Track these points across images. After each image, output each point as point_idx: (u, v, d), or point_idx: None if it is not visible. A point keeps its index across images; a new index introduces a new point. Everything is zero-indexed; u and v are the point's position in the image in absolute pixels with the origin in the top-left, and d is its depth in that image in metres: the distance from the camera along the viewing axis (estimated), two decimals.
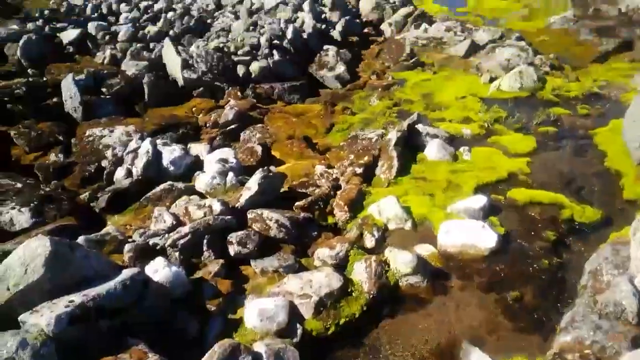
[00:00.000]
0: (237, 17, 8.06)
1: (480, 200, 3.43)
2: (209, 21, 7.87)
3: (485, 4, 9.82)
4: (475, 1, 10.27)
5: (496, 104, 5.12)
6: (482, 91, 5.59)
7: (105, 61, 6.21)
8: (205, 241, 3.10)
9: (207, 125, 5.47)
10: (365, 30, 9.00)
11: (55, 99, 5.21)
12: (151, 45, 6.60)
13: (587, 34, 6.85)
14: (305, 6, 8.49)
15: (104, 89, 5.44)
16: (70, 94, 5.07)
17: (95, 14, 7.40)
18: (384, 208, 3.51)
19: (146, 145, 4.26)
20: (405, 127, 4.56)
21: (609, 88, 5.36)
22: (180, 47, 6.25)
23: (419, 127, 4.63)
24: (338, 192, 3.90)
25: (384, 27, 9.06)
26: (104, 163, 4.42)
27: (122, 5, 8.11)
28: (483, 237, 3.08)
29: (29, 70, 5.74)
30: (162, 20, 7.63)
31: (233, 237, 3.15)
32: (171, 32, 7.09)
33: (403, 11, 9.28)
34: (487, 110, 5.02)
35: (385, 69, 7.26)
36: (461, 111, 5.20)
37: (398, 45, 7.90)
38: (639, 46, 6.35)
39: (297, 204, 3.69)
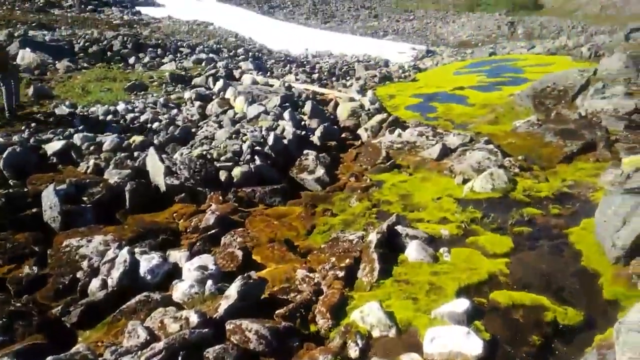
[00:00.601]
0: (220, 126, 8.41)
1: (464, 304, 3.40)
2: (193, 130, 8.19)
3: (453, 110, 10.46)
4: (444, 107, 10.94)
5: (471, 204, 5.27)
6: (456, 192, 5.77)
7: (89, 170, 6.31)
8: (180, 358, 2.96)
9: (188, 230, 5.45)
10: (343, 135, 9.41)
11: (34, 210, 5.19)
12: (135, 154, 6.77)
13: (551, 137, 7.29)
14: (286, 115, 8.96)
15: (84, 198, 5.45)
16: (50, 204, 5.08)
17: (82, 126, 7.67)
18: (367, 314, 3.44)
19: (123, 254, 4.21)
20: (385, 229, 4.63)
21: (577, 187, 5.60)
22: (164, 155, 6.43)
23: (399, 228, 4.70)
24: (320, 298, 3.83)
25: (360, 132, 9.50)
26: (79, 274, 4.30)
27: (109, 117, 8.43)
28: (469, 345, 3.01)
29: (10, 182, 5.77)
30: (147, 130, 7.94)
31: (210, 352, 3.01)
32: (156, 141, 7.33)
33: (378, 117, 9.81)
34: (463, 210, 5.16)
35: (363, 171, 7.49)
36: (438, 212, 5.33)
37: (374, 149, 8.25)
38: (601, 147, 6.74)
39: (277, 312, 3.60)
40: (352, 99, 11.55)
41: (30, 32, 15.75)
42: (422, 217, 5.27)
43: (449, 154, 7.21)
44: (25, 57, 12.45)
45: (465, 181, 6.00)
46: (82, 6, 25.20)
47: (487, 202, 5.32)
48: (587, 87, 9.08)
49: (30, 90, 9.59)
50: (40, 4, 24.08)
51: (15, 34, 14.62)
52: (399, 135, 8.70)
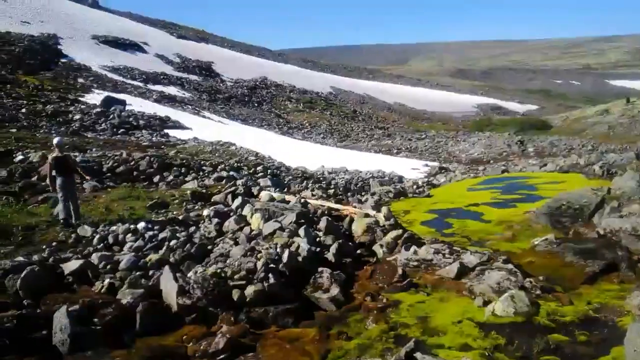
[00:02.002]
0: (236, 243, 8.49)
1: None
2: (209, 247, 8.28)
3: (469, 227, 10.44)
4: (460, 223, 10.93)
5: (493, 329, 5.02)
6: (477, 315, 5.54)
7: (103, 290, 6.30)
8: None
9: (197, 354, 5.26)
10: (358, 251, 9.35)
11: (44, 332, 5.11)
12: (150, 272, 6.80)
13: (571, 256, 7.14)
14: (301, 231, 9.04)
15: (96, 319, 5.38)
16: (61, 326, 5.00)
17: (101, 245, 7.84)
18: None
19: None
20: (403, 356, 4.39)
21: (604, 311, 5.34)
22: (178, 274, 6.44)
23: (418, 355, 4.46)
24: None
25: (375, 248, 9.45)
26: None
27: (129, 236, 8.64)
28: None
29: (24, 301, 5.78)
30: (164, 248, 8.06)
31: None
32: (172, 259, 7.39)
33: (393, 233, 9.79)
34: (485, 336, 4.91)
35: (379, 290, 7.32)
36: (459, 337, 5.08)
37: (390, 267, 8.14)
38: (624, 267, 6.55)
39: None
40: (367, 215, 11.67)
41: None
42: (442, 342, 5.02)
43: (467, 273, 7.05)
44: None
45: (485, 303, 5.79)
46: (115, 129, 27.11)
47: (509, 327, 5.07)
48: (603, 205, 9.08)
49: (55, 210, 9.99)
50: (75, 128, 26.02)
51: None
52: (415, 252, 8.61)
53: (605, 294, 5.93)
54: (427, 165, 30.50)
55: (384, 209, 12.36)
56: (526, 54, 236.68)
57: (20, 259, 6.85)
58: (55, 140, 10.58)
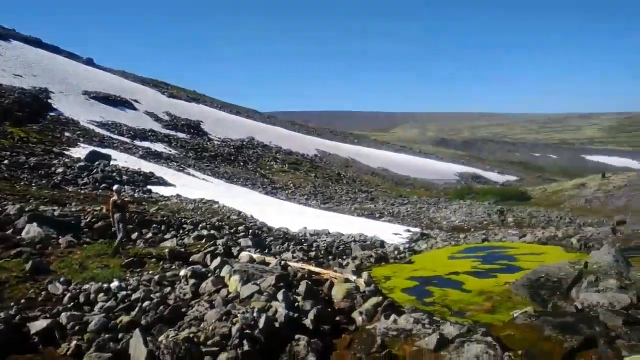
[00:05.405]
0: (212, 307, 8.26)
1: None
2: (184, 310, 8.02)
3: (450, 296, 10.37)
4: (441, 292, 10.87)
5: None
6: None
7: (69, 352, 6.02)
8: None
9: None
10: (338, 318, 9.17)
11: None
12: (120, 335, 6.53)
13: (550, 330, 7.08)
14: (280, 296, 8.87)
15: None
16: None
17: (72, 304, 7.55)
18: None
19: None
20: None
21: None
22: (149, 338, 6.20)
23: None
24: None
25: (355, 315, 9.27)
26: None
27: (101, 295, 8.35)
28: None
29: None
30: (137, 309, 7.78)
31: None
32: (144, 322, 7.13)
33: (373, 301, 9.67)
34: None
35: None
36: None
37: (369, 336, 7.97)
38: (602, 344, 6.50)
39: None
40: (347, 280, 11.52)
41: (42, 207, 16.53)
42: None
43: (447, 345, 6.92)
44: (31, 231, 12.85)
45: None
46: (97, 184, 26.91)
47: None
48: (581, 279, 9.17)
49: (28, 266, 9.69)
50: (57, 181, 25.77)
51: (27, 209, 15.32)
52: (395, 321, 8.46)
53: None
54: (409, 230, 30.61)
55: (364, 275, 12.23)
56: (507, 127, 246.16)
57: None
58: (115, 187, 14.41)
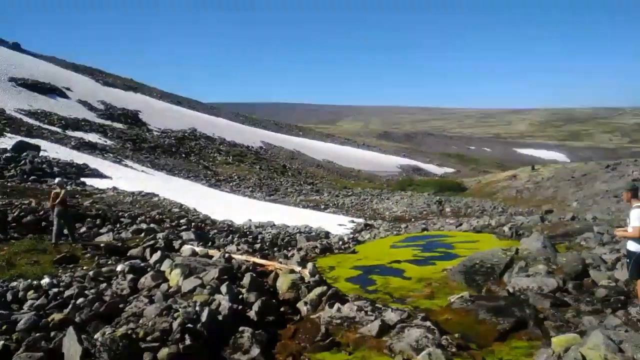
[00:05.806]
0: (151, 302, 7.99)
1: None
2: (121, 306, 7.70)
3: (391, 284, 10.66)
4: (383, 280, 11.14)
5: None
6: None
7: None
8: None
9: None
10: (282, 309, 9.16)
11: None
12: (52, 333, 6.17)
13: (484, 314, 7.45)
14: (223, 288, 8.74)
15: None
16: None
17: None
18: None
19: None
20: None
21: None
22: (84, 336, 5.90)
23: None
24: None
25: (299, 305, 9.32)
26: None
27: (30, 292, 7.85)
28: None
29: None
30: (70, 306, 7.38)
31: None
32: (77, 319, 6.78)
33: (318, 290, 9.74)
34: None
35: (301, 350, 7.17)
36: None
37: (314, 325, 8.04)
38: (531, 325, 6.92)
39: None
40: (292, 271, 11.54)
41: None
42: None
43: (388, 331, 7.12)
44: None
45: None
46: (25, 176, 25.22)
47: None
48: (512, 265, 9.71)
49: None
50: None
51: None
52: (339, 309, 8.58)
53: (515, 350, 6.22)
54: (353, 221, 31.11)
55: (309, 265, 12.30)
56: (445, 121, 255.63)
57: None
58: (56, 181, 14.27)
